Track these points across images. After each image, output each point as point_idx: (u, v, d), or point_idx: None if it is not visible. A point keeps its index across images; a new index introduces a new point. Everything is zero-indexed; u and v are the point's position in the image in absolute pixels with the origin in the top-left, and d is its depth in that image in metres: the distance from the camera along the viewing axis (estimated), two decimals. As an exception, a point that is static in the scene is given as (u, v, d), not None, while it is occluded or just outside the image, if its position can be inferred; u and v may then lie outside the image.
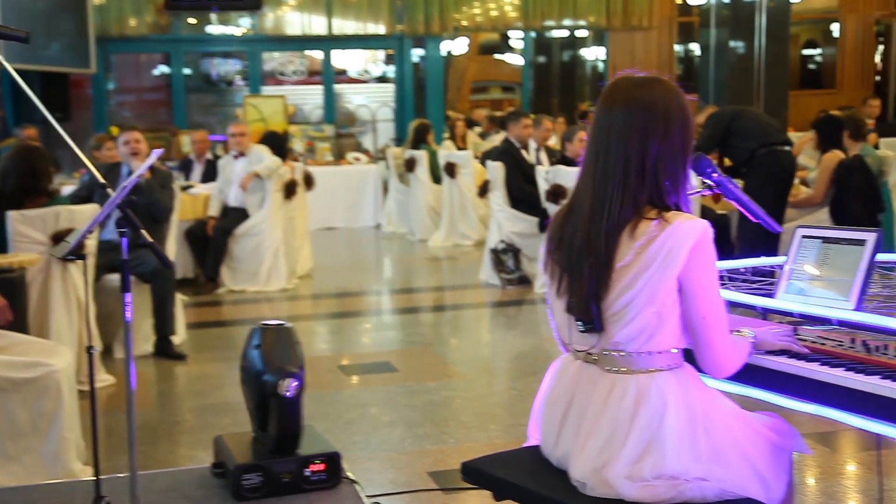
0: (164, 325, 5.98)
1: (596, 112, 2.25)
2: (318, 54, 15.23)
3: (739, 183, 6.89)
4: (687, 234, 2.11)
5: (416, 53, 15.34)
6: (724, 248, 6.87)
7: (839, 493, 3.71)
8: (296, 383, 3.08)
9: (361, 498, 3.11)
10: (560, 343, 2.42)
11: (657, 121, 2.17)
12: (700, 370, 2.27)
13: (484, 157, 9.04)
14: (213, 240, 8.00)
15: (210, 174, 8.88)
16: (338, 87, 15.33)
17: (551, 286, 2.31)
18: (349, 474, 3.27)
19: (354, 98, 15.63)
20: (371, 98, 15.46)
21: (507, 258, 8.10)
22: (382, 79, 15.85)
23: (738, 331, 2.32)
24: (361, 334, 6.80)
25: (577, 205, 2.26)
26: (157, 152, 2.97)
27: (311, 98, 15.22)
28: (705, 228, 2.13)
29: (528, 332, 6.63)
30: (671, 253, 2.10)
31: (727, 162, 7.36)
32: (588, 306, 2.19)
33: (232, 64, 15.63)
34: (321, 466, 3.11)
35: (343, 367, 5.72)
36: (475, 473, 2.39)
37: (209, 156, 9.39)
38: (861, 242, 2.41)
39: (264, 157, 8.17)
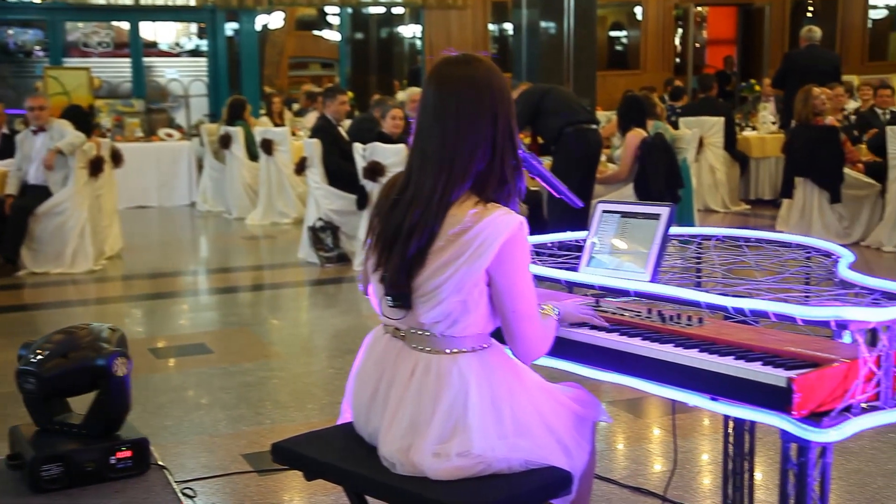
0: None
1: (422, 91, 2.25)
2: (125, 25, 14.61)
3: (548, 161, 7.11)
4: (501, 229, 2.12)
5: (230, 27, 14.95)
6: (538, 224, 7.10)
7: (641, 457, 3.89)
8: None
9: (171, 484, 3.01)
10: (361, 285, 2.44)
11: (468, 97, 2.18)
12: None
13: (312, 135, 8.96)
14: (11, 219, 7.56)
15: (7, 150, 8.38)
16: (147, 61, 14.77)
17: (370, 255, 2.30)
18: (158, 460, 3.17)
19: (166, 72, 15.10)
20: (183, 72, 14.96)
21: (325, 236, 8.04)
22: (195, 52, 15.37)
23: (542, 308, 2.37)
24: (175, 316, 6.60)
25: (403, 181, 2.25)
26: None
27: (119, 71, 14.60)
28: (520, 224, 2.14)
29: (347, 309, 6.61)
30: (483, 245, 2.11)
31: (540, 140, 7.55)
32: (399, 284, 2.20)
33: (31, 33, 14.78)
34: (127, 453, 2.99)
35: (155, 351, 5.54)
36: (285, 454, 2.36)
37: (6, 130, 8.87)
38: (656, 217, 2.52)
39: (66, 133, 7.78)
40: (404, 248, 2.18)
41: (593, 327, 2.43)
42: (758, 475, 3.54)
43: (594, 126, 7.34)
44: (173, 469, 3.57)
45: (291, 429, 3.99)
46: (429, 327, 2.21)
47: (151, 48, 15.12)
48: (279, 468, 3.42)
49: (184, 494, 3.24)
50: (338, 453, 2.29)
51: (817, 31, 10.65)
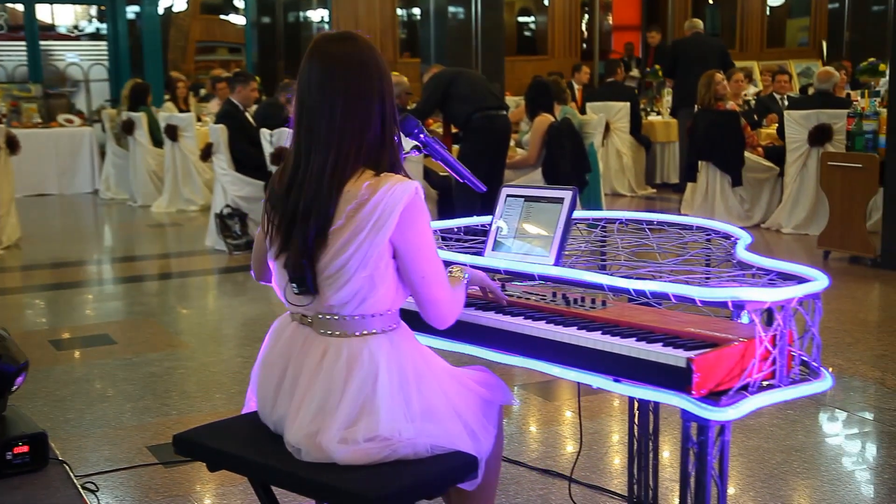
0: None
1: (304, 68, 2.22)
2: (20, 7, 14.13)
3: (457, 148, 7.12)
4: (398, 197, 2.11)
5: (132, 10, 14.58)
6: (449, 209, 7.11)
7: (551, 439, 3.93)
8: None
9: (71, 478, 2.94)
10: (253, 272, 2.43)
11: (356, 75, 2.16)
12: (421, 326, 2.32)
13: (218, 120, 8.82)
14: None
15: None
16: (45, 44, 14.31)
17: (270, 246, 2.27)
18: (58, 455, 3.08)
19: (65, 56, 14.65)
20: (83, 56, 14.55)
21: (233, 223, 7.93)
22: (95, 36, 14.96)
23: (450, 271, 2.37)
24: (77, 307, 6.43)
25: (290, 165, 2.22)
26: None
27: (14, 55, 14.11)
28: (416, 189, 2.15)
29: (256, 297, 6.52)
30: (382, 216, 2.11)
31: (454, 129, 7.56)
32: (302, 269, 2.17)
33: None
34: (24, 449, 2.90)
35: (55, 342, 5.39)
36: (187, 445, 2.31)
37: None
38: (559, 200, 2.53)
39: (-40, 119, 7.49)
40: (303, 232, 2.15)
41: (499, 310, 2.44)
42: (665, 454, 3.62)
43: (503, 112, 7.37)
44: (75, 463, 3.49)
45: (198, 419, 3.93)
46: (337, 310, 2.19)
47: (49, 31, 14.67)
48: (186, 460, 3.38)
49: (85, 489, 3.16)
50: (241, 443, 2.26)
51: (698, 22, 11.08)
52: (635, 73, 14.67)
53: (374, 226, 2.11)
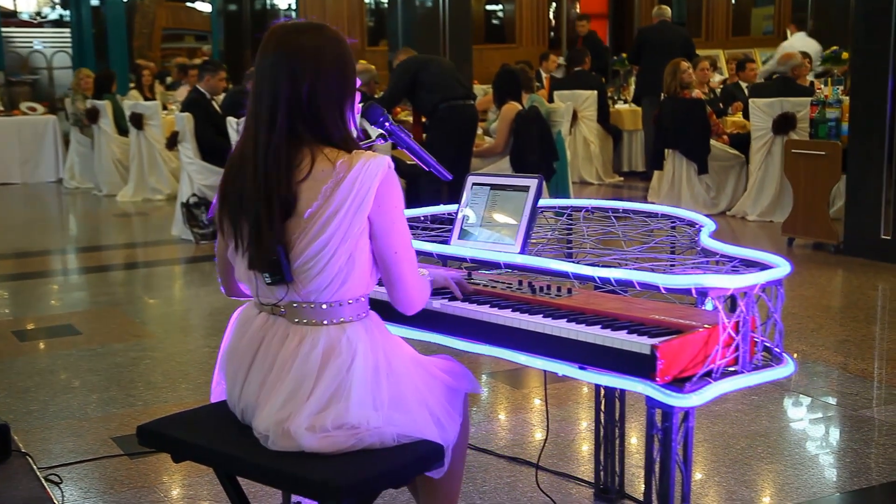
0: None
1: (263, 56, 2.20)
2: (-18, -6, 13.95)
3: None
4: (374, 172, 2.11)
5: (96, -4, 14.43)
6: (415, 198, 7.10)
7: (519, 427, 3.95)
8: None
9: (34, 470, 2.91)
10: (223, 287, 2.41)
11: (306, 62, 2.14)
12: (389, 315, 2.32)
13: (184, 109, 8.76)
14: None
15: None
16: (7, 31, 14.11)
17: (228, 242, 2.25)
18: (20, 447, 3.06)
19: (28, 43, 14.45)
20: (46, 43, 14.36)
21: (199, 212, 7.88)
22: (59, 23, 14.77)
23: None
24: (41, 297, 6.36)
25: (244, 155, 2.20)
26: None
27: (-25, 42, 13.92)
28: (389, 164, 2.16)
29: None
30: (360, 192, 2.10)
31: (424, 119, 7.55)
32: (276, 258, 2.15)
33: None
34: (-13, 441, 2.88)
35: (19, 333, 5.33)
36: (151, 436, 2.30)
37: None
38: (525, 189, 2.54)
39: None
40: (270, 220, 2.13)
41: (466, 299, 2.44)
42: (633, 440, 3.64)
43: (469, 102, 7.36)
44: (38, 455, 3.46)
45: (164, 410, 3.90)
46: (315, 297, 2.18)
47: (11, 17, 14.45)
48: (151, 451, 3.36)
49: (49, 481, 3.14)
50: (206, 433, 2.25)
51: (667, 9, 11.05)
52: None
53: (354, 201, 2.11)
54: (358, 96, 2.26)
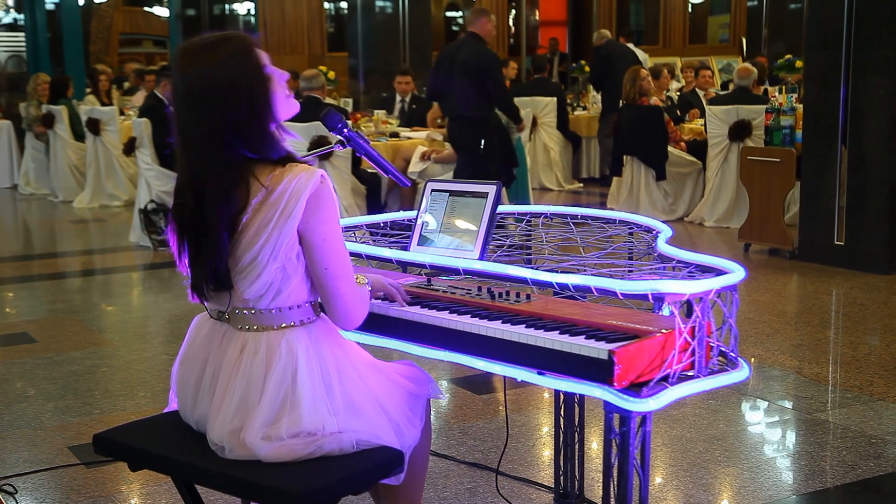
0: None
1: (173, 77, 2.21)
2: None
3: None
4: (303, 185, 2.10)
5: (50, 0, 14.25)
6: (377, 206, 7.09)
7: (480, 433, 3.95)
8: None
9: (-12, 482, 2.87)
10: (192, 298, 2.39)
11: (218, 79, 2.11)
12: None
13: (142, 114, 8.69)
14: None
15: None
16: (-41, 35, 13.92)
17: (180, 253, 2.25)
18: (-26, 458, 3.01)
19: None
20: (0, 47, 14.17)
21: (158, 218, 7.82)
22: (13, 27, 14.58)
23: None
24: (-5, 305, 6.27)
25: (181, 167, 2.21)
26: None
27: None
28: (323, 177, 2.13)
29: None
30: (290, 203, 2.09)
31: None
32: (215, 267, 2.15)
33: None
34: (-60, 452, 2.84)
35: (-28, 342, 5.26)
36: (107, 444, 2.28)
37: None
38: (484, 195, 2.55)
39: None
40: (207, 231, 2.13)
41: (425, 305, 2.44)
42: (594, 445, 3.66)
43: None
44: (-8, 466, 3.41)
45: (122, 418, 3.87)
46: (253, 303, 2.18)
47: (-35, 22, 14.25)
48: (109, 460, 3.32)
49: (3, 491, 3.10)
50: (163, 441, 2.24)
51: (606, 31, 11.35)
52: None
53: (283, 214, 2.10)
54: (288, 101, 2.23)
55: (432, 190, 2.65)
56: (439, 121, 8.56)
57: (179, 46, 2.21)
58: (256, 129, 2.14)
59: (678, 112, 9.80)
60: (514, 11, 18.94)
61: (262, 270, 2.14)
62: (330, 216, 2.15)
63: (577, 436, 3.09)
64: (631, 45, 11.48)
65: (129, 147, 8.44)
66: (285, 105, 2.22)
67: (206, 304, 2.29)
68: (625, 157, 8.98)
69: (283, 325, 2.20)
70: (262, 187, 2.11)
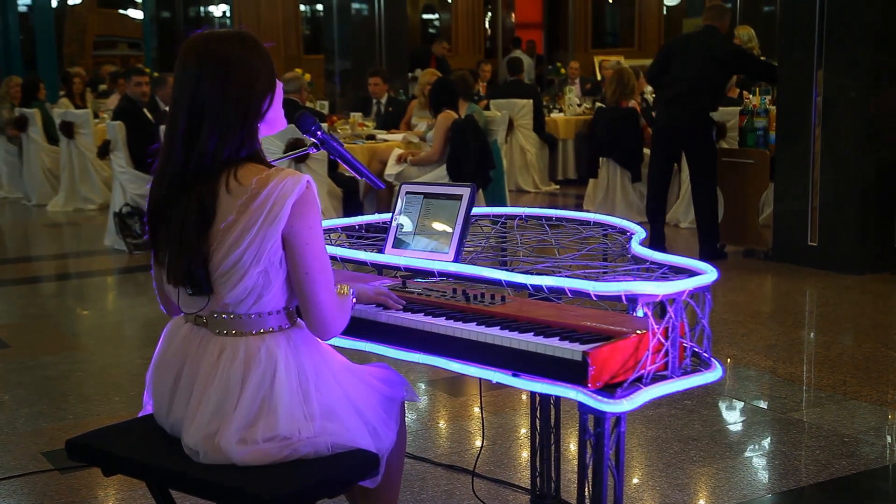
0: None
1: (175, 68, 2.19)
2: None
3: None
4: (289, 189, 2.10)
5: (23, 2, 14.13)
6: (355, 209, 7.08)
7: (457, 435, 3.96)
8: None
9: (-40, 489, 2.85)
10: (163, 307, 2.37)
11: (215, 73, 2.12)
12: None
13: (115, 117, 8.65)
14: None
15: None
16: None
17: (156, 253, 2.24)
18: (-54, 464, 2.98)
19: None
20: (-28, 50, 14.05)
21: (133, 222, 7.78)
22: (-15, 29, 14.46)
23: (336, 288, 2.35)
24: (-33, 310, 6.21)
25: (164, 167, 2.19)
26: None
27: None
28: (308, 183, 2.13)
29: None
30: (274, 208, 2.09)
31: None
32: (195, 269, 2.14)
33: None
34: (-90, 459, 2.81)
35: (-56, 347, 5.21)
36: (81, 449, 2.26)
37: None
38: (458, 197, 2.55)
39: None
40: (188, 233, 2.12)
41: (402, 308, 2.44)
42: (571, 446, 3.67)
43: None
44: (-36, 472, 3.38)
45: (96, 423, 3.81)
46: (233, 308, 2.17)
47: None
48: (83, 465, 3.29)
49: (-24, 498, 3.07)
50: (137, 446, 2.22)
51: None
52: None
53: (267, 218, 2.09)
54: (281, 114, 2.24)
55: (407, 192, 2.65)
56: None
57: (199, 35, 2.18)
58: (258, 123, 2.18)
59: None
60: (490, 14, 18.98)
61: (245, 274, 2.12)
62: (314, 222, 2.15)
63: (553, 437, 3.09)
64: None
65: (104, 150, 8.38)
66: (280, 116, 2.25)
67: (179, 307, 2.27)
68: (600, 158, 9.01)
69: (262, 330, 2.19)
70: (248, 189, 2.10)
